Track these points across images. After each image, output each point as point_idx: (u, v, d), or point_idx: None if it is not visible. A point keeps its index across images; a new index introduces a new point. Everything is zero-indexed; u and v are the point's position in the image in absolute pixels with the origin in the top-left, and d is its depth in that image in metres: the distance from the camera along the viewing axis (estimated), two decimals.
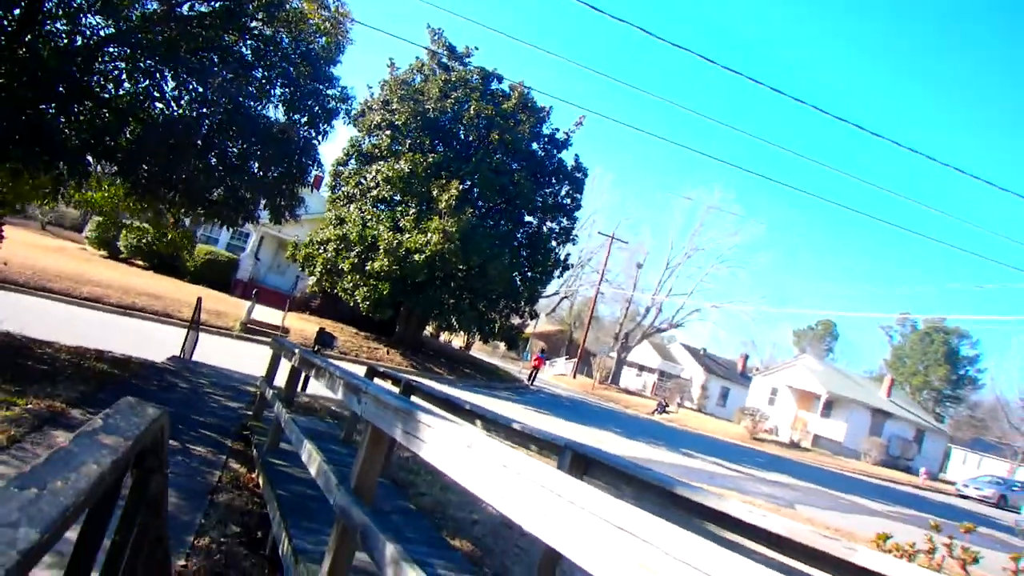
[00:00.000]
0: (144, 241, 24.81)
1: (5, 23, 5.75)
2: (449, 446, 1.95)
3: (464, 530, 5.70)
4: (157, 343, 11.66)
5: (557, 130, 25.45)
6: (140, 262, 25.06)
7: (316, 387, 8.45)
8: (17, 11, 5.84)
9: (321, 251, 22.81)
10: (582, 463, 3.07)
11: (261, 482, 5.12)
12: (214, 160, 6.79)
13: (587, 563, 1.17)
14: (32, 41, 5.86)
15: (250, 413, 7.40)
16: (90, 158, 6.23)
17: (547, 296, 43.32)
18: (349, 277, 22.06)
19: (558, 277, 28.78)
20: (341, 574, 2.82)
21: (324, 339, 11.42)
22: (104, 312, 15.12)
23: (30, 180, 6.31)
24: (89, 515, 0.85)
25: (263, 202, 7.77)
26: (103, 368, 8.03)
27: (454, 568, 4.05)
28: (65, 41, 6.26)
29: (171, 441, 5.79)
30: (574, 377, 44.75)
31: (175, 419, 6.61)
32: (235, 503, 4.77)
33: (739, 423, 36.06)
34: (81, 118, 5.96)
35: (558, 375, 46.32)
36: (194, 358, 11.11)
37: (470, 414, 4.59)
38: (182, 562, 3.61)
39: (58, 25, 6.31)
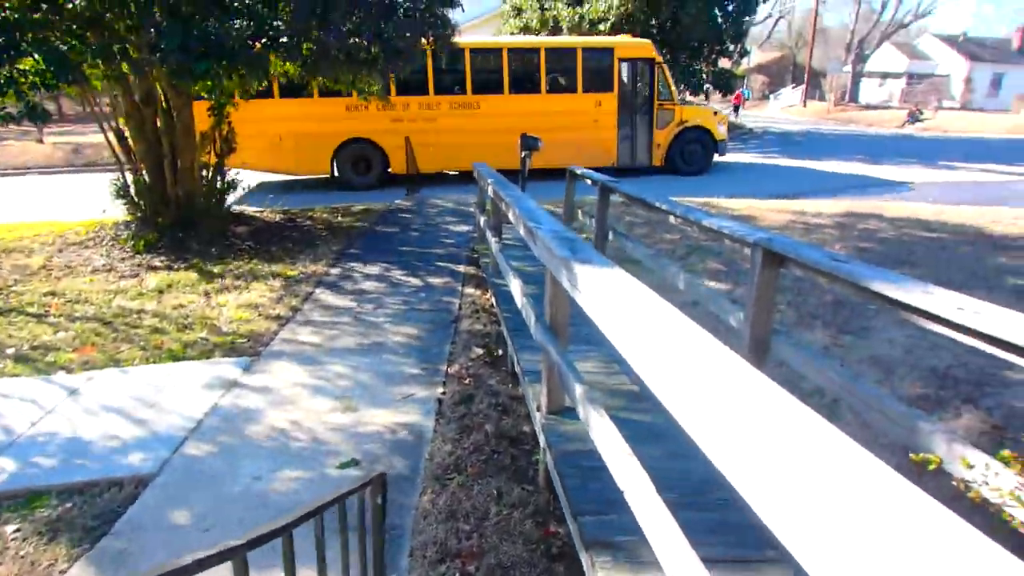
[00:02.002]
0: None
1: None
2: (599, 301, 1.93)
3: (690, 315, 5.80)
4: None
5: None
6: None
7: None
8: None
9: None
10: (776, 259, 2.87)
11: (494, 301, 5.68)
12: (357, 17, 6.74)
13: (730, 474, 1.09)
14: None
15: (476, 236, 8.07)
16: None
17: (758, 23, 37.79)
18: None
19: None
20: (557, 398, 3.14)
21: (528, 143, 11.40)
22: None
23: (230, 80, 7.07)
24: None
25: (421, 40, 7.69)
26: (349, 222, 9.23)
27: None
28: None
29: (413, 280, 6.64)
30: (804, 105, 39.98)
31: (413, 258, 7.48)
32: (475, 327, 5.41)
33: (1018, 112, 29.64)
34: (239, 22, 6.35)
35: (786, 107, 41.72)
36: (423, 191, 12.20)
37: (663, 211, 4.46)
38: (441, 390, 4.29)
39: None
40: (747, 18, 23.08)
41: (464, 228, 9.00)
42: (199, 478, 3.36)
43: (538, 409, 3.26)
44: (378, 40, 7.05)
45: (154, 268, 6.90)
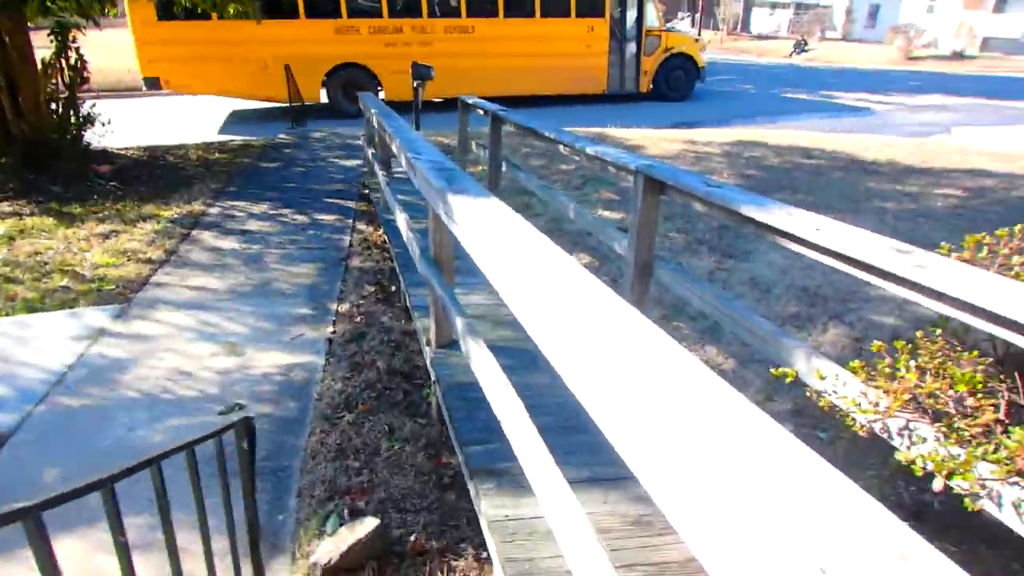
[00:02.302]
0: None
1: None
2: (472, 233, 1.88)
3: (582, 244, 5.86)
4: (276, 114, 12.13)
5: None
6: None
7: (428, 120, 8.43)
8: None
9: None
10: (656, 186, 2.92)
11: (386, 237, 5.52)
12: None
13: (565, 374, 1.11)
14: None
15: (366, 170, 7.75)
16: None
17: None
18: None
19: None
20: (446, 332, 3.11)
21: (420, 71, 10.93)
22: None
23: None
24: None
25: None
26: (228, 158, 8.62)
27: None
28: None
29: (300, 217, 6.34)
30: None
31: (300, 194, 7.11)
32: (366, 264, 5.25)
33: (891, 44, 31.59)
34: None
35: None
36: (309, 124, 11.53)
37: (553, 141, 4.43)
38: (331, 329, 4.16)
39: None
40: None
41: (354, 162, 8.62)
42: (65, 433, 3.12)
43: (428, 344, 3.22)
44: None
45: (1, 214, 6.18)
